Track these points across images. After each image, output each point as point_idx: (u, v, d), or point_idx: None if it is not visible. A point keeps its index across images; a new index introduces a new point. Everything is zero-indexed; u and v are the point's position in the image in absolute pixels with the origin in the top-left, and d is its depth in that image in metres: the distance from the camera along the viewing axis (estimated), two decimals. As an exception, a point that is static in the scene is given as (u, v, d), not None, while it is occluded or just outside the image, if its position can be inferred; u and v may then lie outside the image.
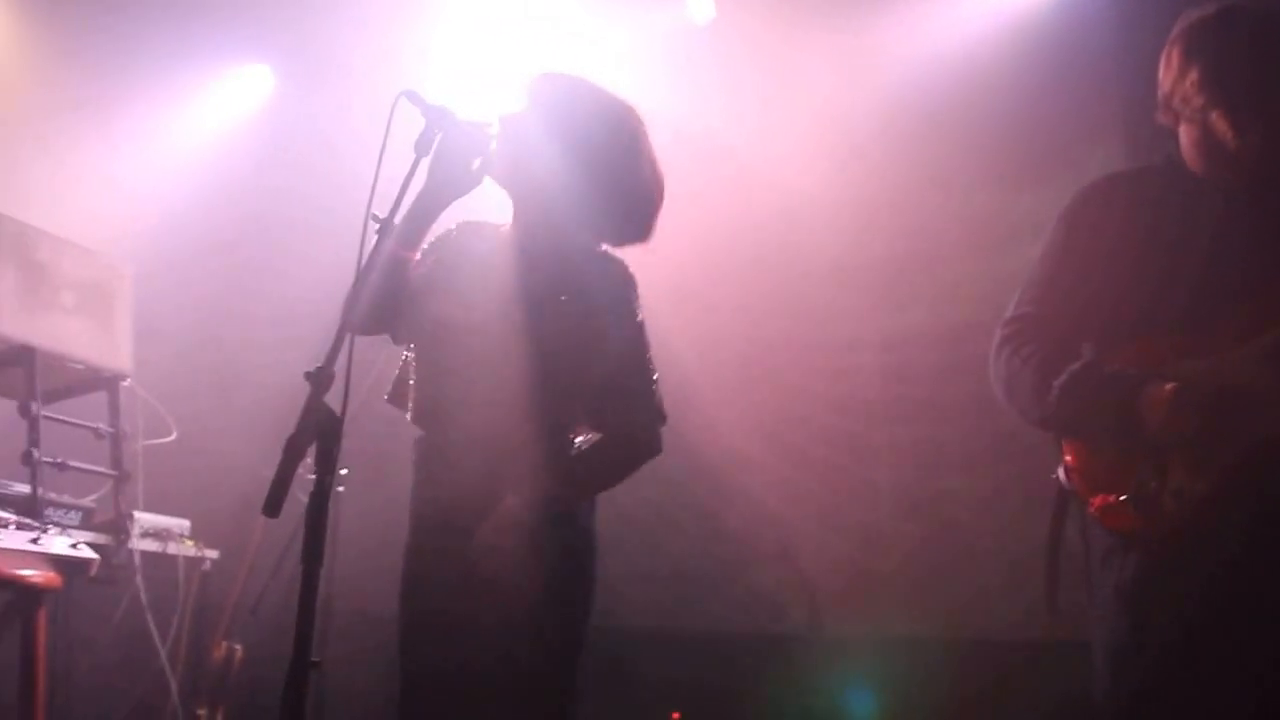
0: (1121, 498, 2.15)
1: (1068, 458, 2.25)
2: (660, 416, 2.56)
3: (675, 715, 4.34)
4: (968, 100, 4.48)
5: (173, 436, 3.90)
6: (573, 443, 2.56)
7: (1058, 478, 2.29)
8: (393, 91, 2.32)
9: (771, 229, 4.83)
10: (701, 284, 4.67)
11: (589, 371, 2.51)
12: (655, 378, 2.57)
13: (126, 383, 3.70)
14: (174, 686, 3.88)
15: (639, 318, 2.59)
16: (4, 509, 2.96)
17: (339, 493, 4.14)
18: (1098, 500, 2.18)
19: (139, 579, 3.61)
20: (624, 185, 2.57)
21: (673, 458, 2.58)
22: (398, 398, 2.62)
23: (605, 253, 2.62)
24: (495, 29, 5.17)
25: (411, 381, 2.60)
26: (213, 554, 3.97)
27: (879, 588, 4.27)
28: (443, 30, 5.22)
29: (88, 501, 3.53)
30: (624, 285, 2.59)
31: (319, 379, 2.07)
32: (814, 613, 4.32)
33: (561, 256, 2.59)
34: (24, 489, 3.25)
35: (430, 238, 2.58)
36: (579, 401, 2.55)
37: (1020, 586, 4.14)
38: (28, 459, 3.23)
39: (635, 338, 2.57)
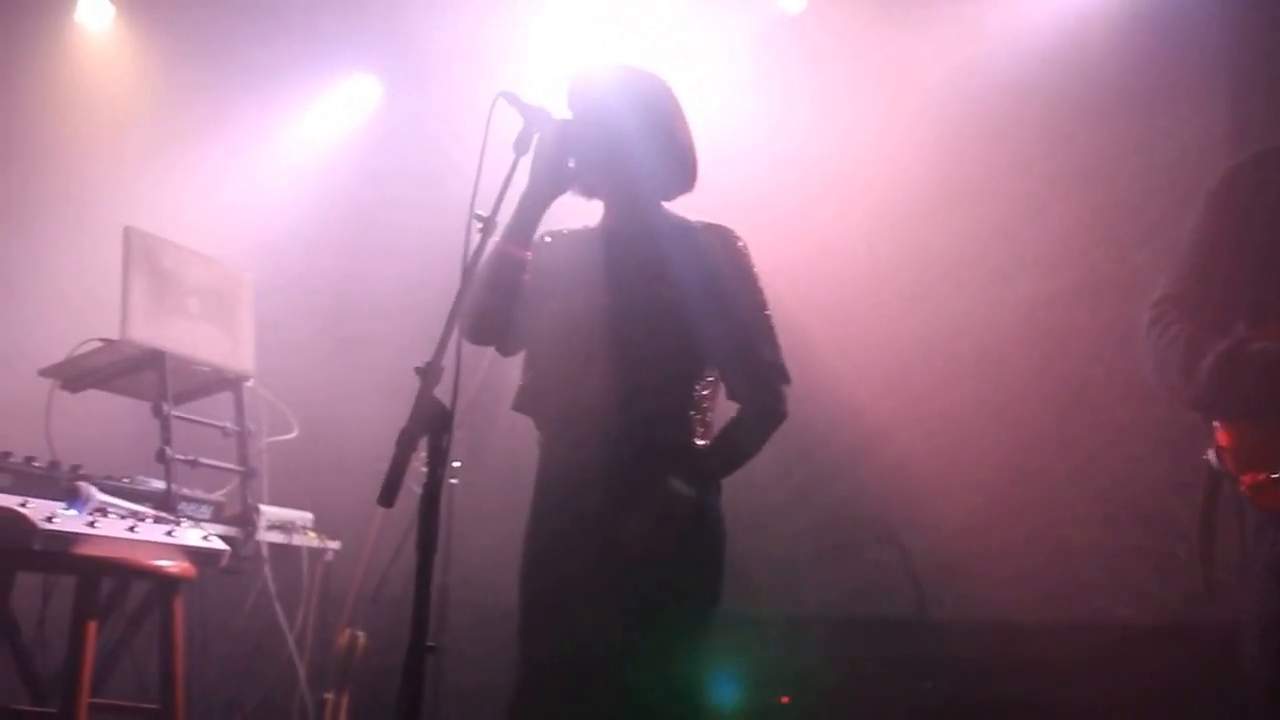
0: (1273, 475, 2.14)
1: (1218, 438, 2.24)
2: (785, 377, 2.60)
3: (784, 699, 4.34)
4: (1064, 80, 4.42)
5: (294, 433, 4.03)
6: (706, 416, 2.62)
7: (1208, 459, 2.27)
8: (492, 93, 2.40)
9: (872, 215, 4.83)
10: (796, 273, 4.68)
11: (713, 339, 2.57)
12: (778, 339, 2.63)
13: (250, 383, 3.83)
14: (301, 672, 4.02)
15: (759, 281, 2.64)
16: (142, 504, 3.11)
17: (451, 484, 4.26)
18: (1248, 479, 2.18)
19: (266, 569, 3.75)
20: (680, 142, 2.68)
21: (779, 440, 2.62)
22: (523, 404, 2.69)
23: (711, 223, 2.68)
24: (588, 26, 5.24)
25: (531, 383, 2.67)
26: (335, 545, 4.09)
27: (986, 571, 4.23)
28: (538, 30, 5.31)
29: (217, 496, 3.68)
30: (738, 249, 2.65)
31: (429, 374, 2.16)
32: (922, 596, 4.29)
33: (667, 231, 2.65)
34: (159, 485, 3.41)
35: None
36: (707, 370, 2.60)
37: (1126, 570, 4.12)
38: (161, 457, 3.38)
39: (757, 300, 2.63)
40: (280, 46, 5.62)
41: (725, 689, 4.11)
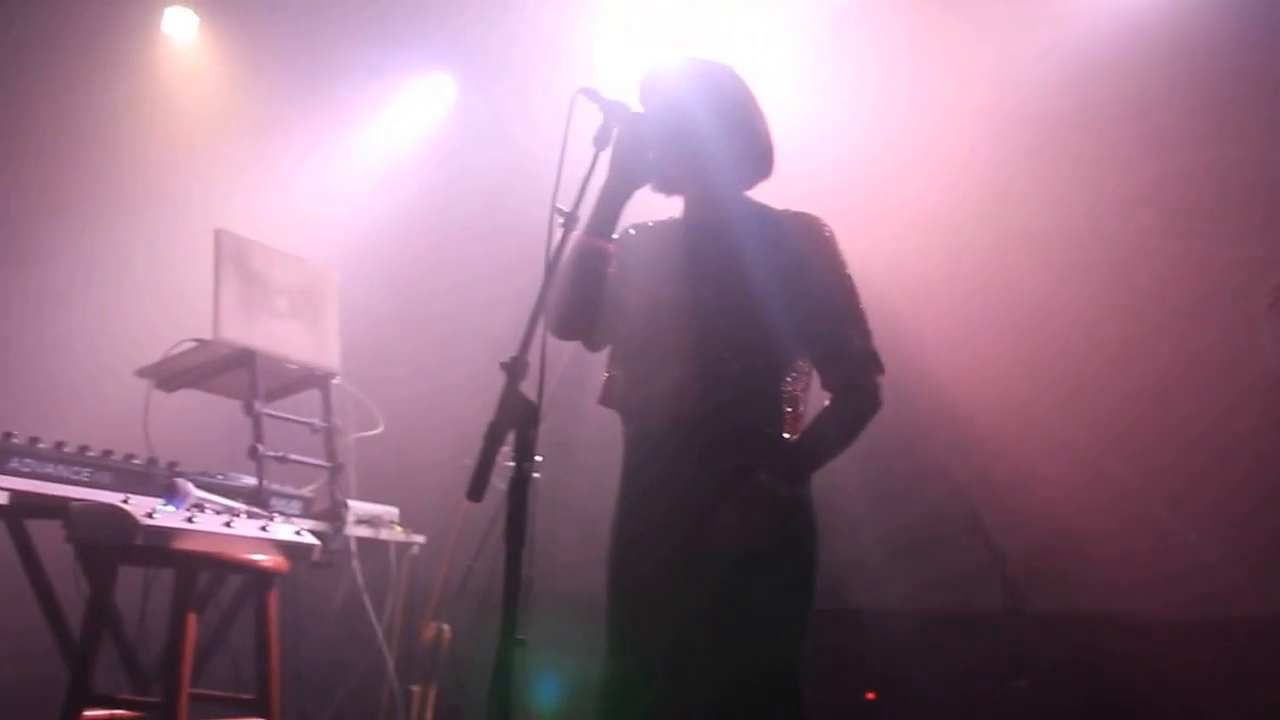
0: None
1: None
2: (878, 366, 2.58)
3: (870, 695, 4.31)
4: (1149, 62, 4.35)
5: (380, 429, 4.10)
6: (797, 408, 2.62)
7: None
8: (570, 89, 2.42)
9: (954, 199, 4.78)
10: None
11: (801, 329, 2.56)
12: (869, 327, 2.61)
13: (337, 380, 3.90)
14: (390, 664, 4.09)
15: (847, 268, 2.63)
16: (235, 500, 3.18)
17: (534, 478, 4.28)
18: None
19: (355, 563, 3.81)
20: (756, 130, 2.67)
21: (867, 429, 2.60)
22: (608, 399, 2.71)
23: (797, 211, 2.67)
24: (658, 18, 5.25)
25: (616, 377, 2.69)
26: (420, 539, 4.15)
27: (1080, 564, 4.17)
28: (609, 24, 5.33)
29: (306, 492, 3.75)
30: (825, 237, 2.63)
31: (514, 368, 2.18)
32: (1012, 589, 4.23)
33: (749, 220, 2.64)
34: (251, 481, 3.48)
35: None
36: (796, 361, 2.60)
37: (1228, 565, 4.03)
38: (253, 454, 3.45)
39: (845, 287, 2.61)
40: (356, 48, 5.71)
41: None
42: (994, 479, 4.42)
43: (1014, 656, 4.09)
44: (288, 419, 3.70)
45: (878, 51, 4.94)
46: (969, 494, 4.42)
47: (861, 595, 4.43)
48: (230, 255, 3.56)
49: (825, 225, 2.65)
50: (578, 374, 3.64)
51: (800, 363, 2.61)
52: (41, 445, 2.96)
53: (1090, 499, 4.29)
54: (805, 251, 2.59)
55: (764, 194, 2.76)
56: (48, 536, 3.10)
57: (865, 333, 2.59)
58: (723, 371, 2.53)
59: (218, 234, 3.56)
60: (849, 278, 2.62)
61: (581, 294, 2.58)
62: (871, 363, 2.57)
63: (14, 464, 2.89)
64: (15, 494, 2.86)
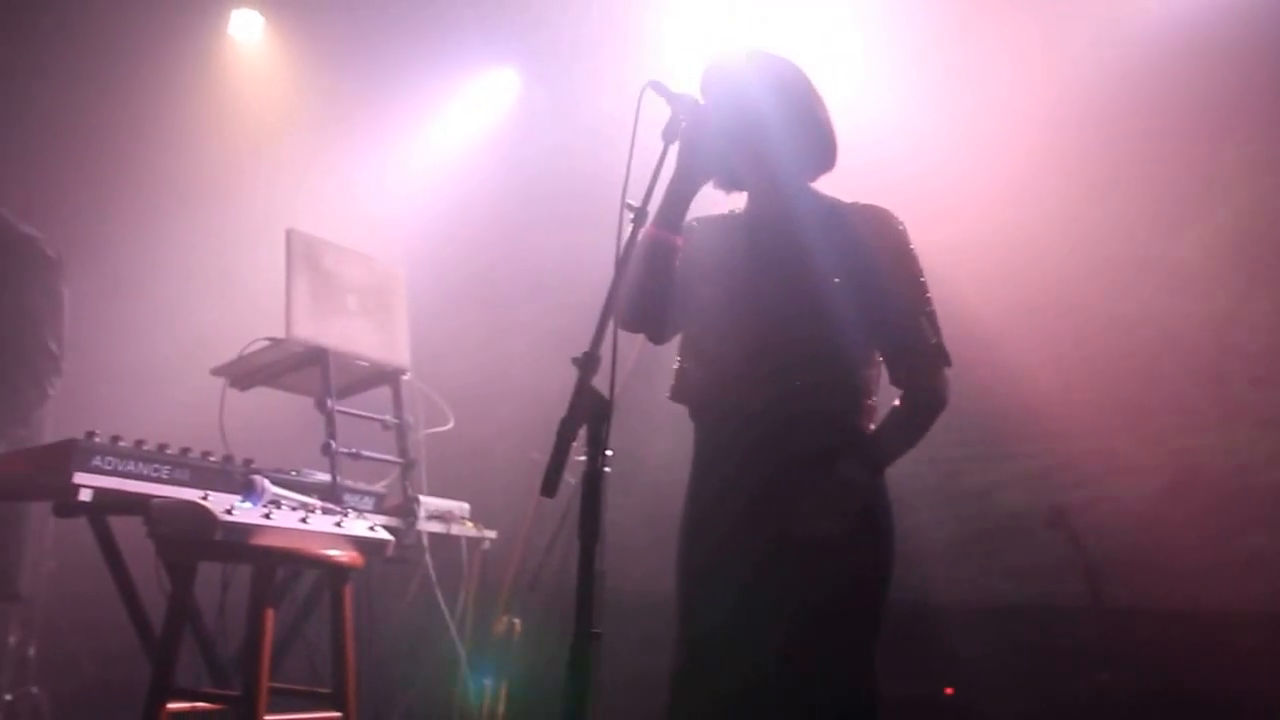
0: None
1: None
2: (945, 360, 2.56)
3: (948, 691, 4.26)
4: (1229, 48, 4.25)
5: (450, 425, 4.12)
6: (870, 400, 2.60)
7: None
8: (634, 83, 2.41)
9: (1028, 191, 4.72)
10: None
11: (870, 322, 2.54)
12: (938, 321, 2.59)
13: (406, 377, 3.92)
14: (463, 657, 4.12)
15: (918, 262, 2.61)
16: (309, 496, 3.21)
17: (606, 472, 4.29)
18: None
19: (427, 558, 3.84)
20: (820, 122, 2.67)
21: (944, 421, 2.58)
22: (679, 393, 2.70)
23: (867, 204, 2.65)
24: (721, 10, 5.23)
25: (687, 371, 2.68)
26: (491, 534, 4.17)
27: (1167, 555, 4.09)
28: (672, 16, 5.32)
29: (379, 488, 3.79)
30: (896, 230, 2.61)
31: (586, 363, 2.18)
32: (1095, 582, 4.16)
33: (817, 213, 2.63)
34: (324, 477, 3.52)
35: None
36: (866, 353, 2.59)
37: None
38: (327, 450, 3.49)
39: (915, 281, 2.59)
40: (419, 45, 5.76)
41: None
42: (1073, 471, 4.35)
43: (1097, 649, 4.01)
44: (359, 415, 3.73)
45: (939, 46, 4.89)
46: (1049, 486, 4.35)
47: (937, 589, 4.38)
48: (301, 254, 3.59)
49: (897, 218, 2.63)
50: (646, 368, 3.64)
51: (871, 353, 2.60)
52: (122, 444, 3.01)
53: (1172, 489, 4.21)
54: (875, 244, 2.58)
55: (827, 188, 2.75)
56: (128, 533, 3.16)
57: (934, 327, 2.57)
58: (794, 363, 2.52)
59: (289, 234, 3.59)
60: (919, 272, 2.60)
61: (652, 288, 2.58)
62: (939, 358, 2.56)
63: (96, 462, 2.93)
64: (98, 491, 2.91)
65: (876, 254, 2.58)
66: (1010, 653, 4.18)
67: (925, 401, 2.57)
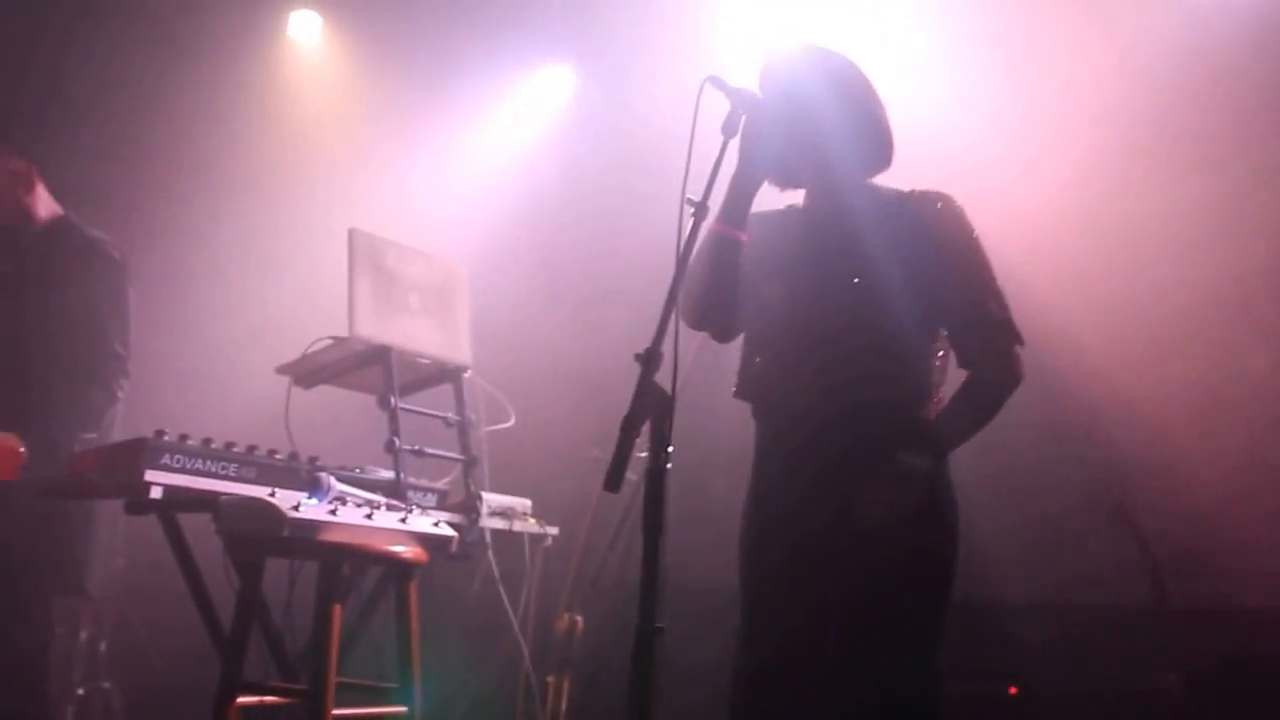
0: None
1: None
2: (1017, 337, 2.54)
3: (1012, 690, 4.22)
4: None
5: (511, 422, 4.14)
6: (936, 392, 2.58)
7: None
8: (691, 79, 2.41)
9: (1080, 190, 4.65)
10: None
11: (936, 308, 2.53)
12: (1005, 299, 2.56)
13: (468, 374, 3.94)
14: (526, 654, 4.14)
15: (979, 242, 2.59)
16: (373, 493, 3.24)
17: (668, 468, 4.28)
18: None
19: (490, 555, 3.86)
20: (877, 118, 2.66)
21: (1009, 413, 2.55)
22: (743, 390, 2.70)
23: (923, 190, 2.64)
24: (783, 7, 5.20)
25: (750, 368, 2.68)
26: (553, 530, 4.18)
27: (1234, 555, 4.01)
28: (726, 12, 5.30)
29: (442, 484, 3.81)
30: (954, 212, 2.60)
31: (649, 359, 2.19)
32: (1159, 582, 4.08)
33: (876, 206, 2.62)
34: (388, 474, 3.55)
35: None
36: (932, 343, 2.57)
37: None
38: (390, 447, 3.51)
39: (978, 261, 2.57)
40: (474, 44, 5.79)
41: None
42: (1139, 468, 4.28)
43: (1164, 652, 3.94)
44: (422, 413, 3.76)
45: (996, 38, 4.83)
46: (1113, 484, 4.28)
47: (1000, 588, 4.33)
48: (364, 253, 3.63)
49: (952, 199, 2.61)
50: (708, 365, 3.64)
51: (935, 345, 2.58)
52: (191, 442, 3.06)
53: (1243, 487, 4.12)
54: (933, 227, 2.57)
55: (888, 181, 2.73)
56: (195, 530, 3.21)
57: (1002, 304, 2.55)
58: (852, 356, 2.52)
59: (351, 233, 3.63)
60: (981, 250, 2.58)
61: (716, 284, 2.58)
62: (1010, 334, 2.53)
63: (166, 460, 2.98)
64: (168, 489, 2.96)
65: (938, 238, 2.57)
66: (1075, 652, 4.12)
67: (995, 378, 2.54)
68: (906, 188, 2.68)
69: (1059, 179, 4.65)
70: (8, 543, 3.65)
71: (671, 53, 5.15)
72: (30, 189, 3.91)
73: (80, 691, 4.87)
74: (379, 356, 3.61)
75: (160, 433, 3.00)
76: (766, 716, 2.55)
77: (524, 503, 4.03)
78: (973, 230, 2.59)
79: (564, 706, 4.29)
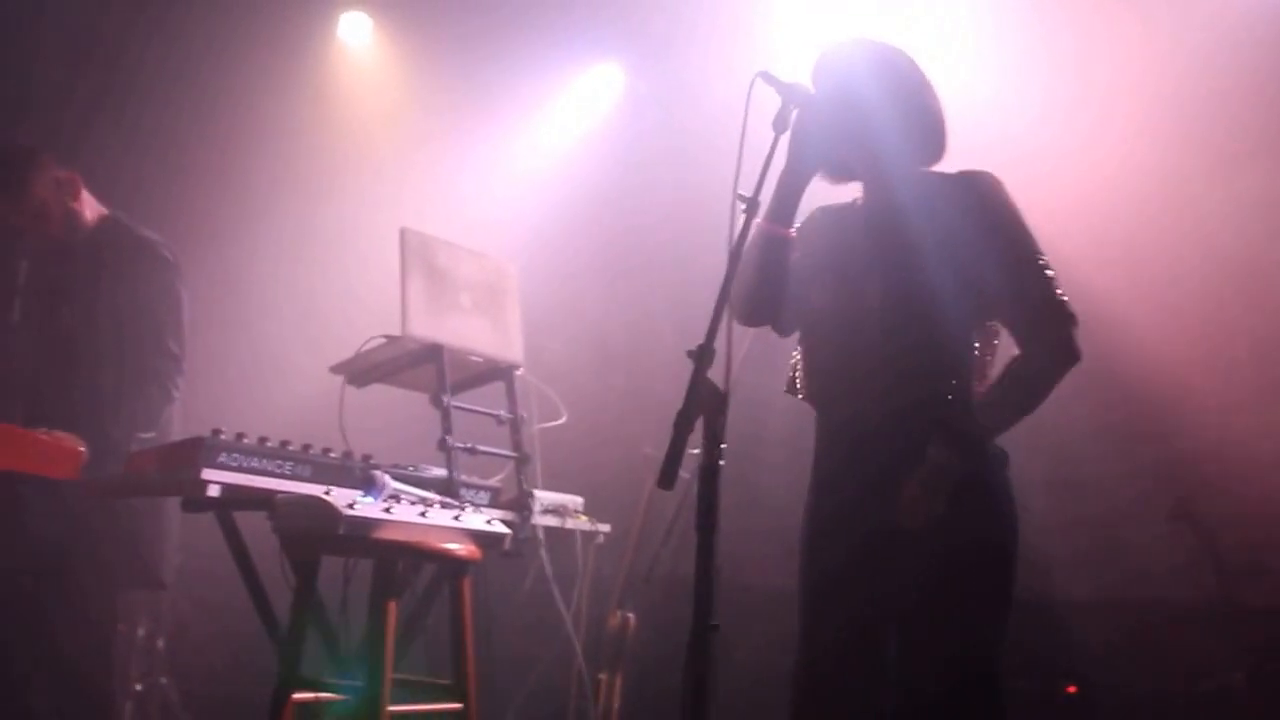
0: None
1: None
2: (1071, 317, 2.50)
3: (1071, 689, 4.17)
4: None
5: (563, 419, 4.14)
6: (985, 380, 2.55)
7: None
8: (741, 74, 2.40)
9: (1135, 180, 4.58)
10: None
11: (988, 296, 2.50)
12: (1056, 279, 2.51)
13: (520, 372, 3.94)
14: (578, 651, 4.15)
15: (1026, 222, 2.56)
16: (426, 491, 3.26)
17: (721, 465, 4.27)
18: None
19: (543, 552, 3.86)
20: (932, 112, 2.63)
21: (1065, 411, 2.52)
22: (797, 386, 2.69)
23: (967, 171, 2.61)
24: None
25: (804, 364, 2.67)
26: (605, 528, 4.18)
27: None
28: (773, 7, 5.27)
29: (494, 482, 3.82)
30: (1000, 193, 2.57)
31: (701, 356, 2.18)
32: (1223, 581, 4.01)
33: (925, 196, 2.60)
34: (440, 472, 3.56)
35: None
36: (984, 337, 2.54)
37: None
38: (443, 445, 3.52)
39: (1026, 241, 2.54)
40: (522, 44, 5.80)
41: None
42: (1201, 464, 4.20)
43: (1227, 650, 3.87)
44: (474, 411, 3.77)
45: (1047, 26, 4.76)
46: (1175, 480, 4.21)
47: (1060, 585, 4.27)
48: (415, 253, 3.64)
49: (999, 180, 2.58)
50: (760, 360, 3.62)
51: (988, 339, 2.56)
52: (247, 441, 3.08)
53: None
54: (982, 208, 2.54)
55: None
56: (250, 528, 3.24)
57: (1053, 283, 2.51)
58: (902, 354, 2.50)
59: (403, 232, 3.64)
60: (1029, 231, 2.55)
61: (765, 281, 2.57)
62: (1063, 313, 2.49)
63: (222, 459, 3.01)
64: (225, 487, 2.99)
65: (985, 221, 2.54)
66: (1135, 651, 4.07)
67: (1045, 362, 2.49)
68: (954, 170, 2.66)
69: (1123, 171, 4.58)
70: (67, 540, 3.70)
71: (720, 49, 5.13)
72: (76, 195, 3.96)
73: (138, 687, 4.94)
74: (432, 355, 3.62)
75: (217, 431, 3.02)
76: (824, 713, 2.53)
77: (576, 500, 4.03)
78: (1014, 207, 2.57)
79: (616, 703, 4.30)
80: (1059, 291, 2.50)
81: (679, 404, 2.15)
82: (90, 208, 4.01)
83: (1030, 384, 2.50)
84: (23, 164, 3.90)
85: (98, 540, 3.73)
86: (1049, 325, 2.49)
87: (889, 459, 2.49)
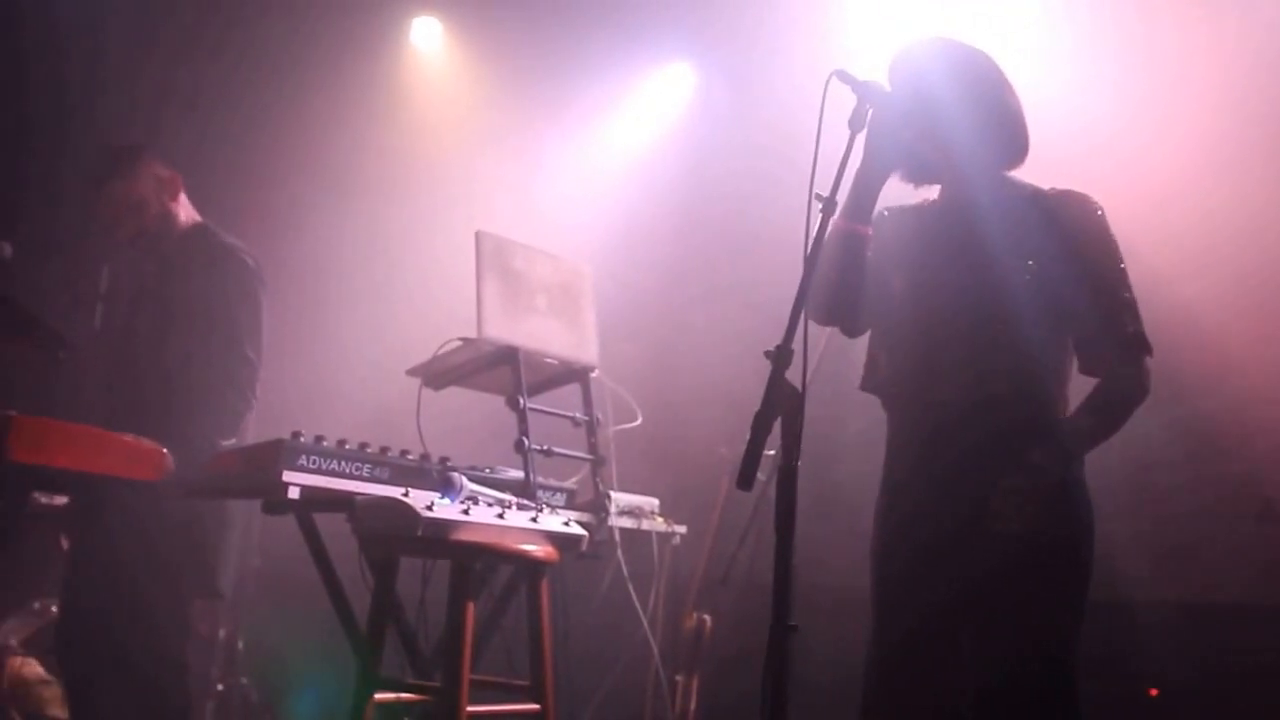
0: None
1: None
2: (1146, 349, 2.48)
3: (1152, 692, 4.09)
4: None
5: (638, 421, 4.14)
6: (1065, 389, 2.53)
7: None
8: (816, 73, 2.38)
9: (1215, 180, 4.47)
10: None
11: (1069, 310, 2.48)
12: (1138, 310, 2.49)
13: (595, 374, 3.95)
14: (655, 652, 4.15)
15: (1118, 250, 2.53)
16: (503, 492, 3.28)
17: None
18: None
19: (619, 553, 3.87)
20: (1012, 111, 2.60)
21: (1148, 413, 2.48)
22: (871, 384, 2.68)
23: (1066, 189, 2.59)
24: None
25: (879, 362, 2.65)
26: (681, 529, 4.18)
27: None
28: (845, 6, 5.23)
29: (570, 484, 3.83)
30: (1096, 218, 2.55)
31: (779, 357, 2.17)
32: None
33: (1012, 201, 2.57)
34: (517, 474, 3.58)
35: None
36: (1062, 342, 2.52)
37: None
38: (520, 447, 3.54)
39: (1115, 270, 2.52)
40: (594, 43, 5.82)
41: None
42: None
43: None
44: (550, 413, 3.78)
45: (1119, 26, 4.67)
46: (1260, 482, 4.11)
47: (1141, 588, 4.19)
48: (491, 256, 3.66)
49: (1095, 203, 2.56)
50: (836, 358, 3.59)
51: (1064, 341, 2.54)
52: (326, 443, 3.12)
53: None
54: (1074, 231, 2.52)
55: (1025, 173, 2.67)
56: (329, 530, 3.28)
57: (1135, 316, 2.50)
58: (979, 352, 2.48)
59: (478, 235, 3.66)
60: (1119, 258, 2.53)
61: (843, 280, 2.56)
62: (1139, 346, 2.48)
63: (302, 461, 3.05)
64: (305, 489, 3.03)
65: (1077, 241, 2.52)
66: (1218, 654, 3.97)
67: (1124, 389, 2.50)
68: (1045, 185, 2.63)
69: (1209, 171, 4.47)
70: (154, 545, 3.74)
71: (794, 48, 5.10)
72: (175, 196, 4.02)
73: (219, 688, 5.02)
74: (507, 357, 3.64)
75: (297, 434, 3.06)
76: (897, 711, 2.52)
77: (652, 501, 4.03)
78: (1109, 233, 2.54)
79: (693, 706, 4.29)
80: (1140, 327, 2.49)
81: (753, 404, 2.15)
82: (186, 211, 4.06)
83: (1108, 418, 2.51)
84: (131, 156, 3.98)
85: (171, 551, 3.77)
86: (1127, 365, 2.50)
87: (964, 456, 2.47)
